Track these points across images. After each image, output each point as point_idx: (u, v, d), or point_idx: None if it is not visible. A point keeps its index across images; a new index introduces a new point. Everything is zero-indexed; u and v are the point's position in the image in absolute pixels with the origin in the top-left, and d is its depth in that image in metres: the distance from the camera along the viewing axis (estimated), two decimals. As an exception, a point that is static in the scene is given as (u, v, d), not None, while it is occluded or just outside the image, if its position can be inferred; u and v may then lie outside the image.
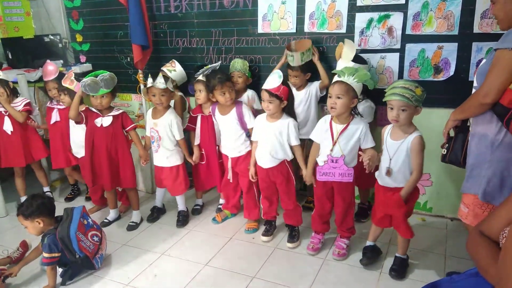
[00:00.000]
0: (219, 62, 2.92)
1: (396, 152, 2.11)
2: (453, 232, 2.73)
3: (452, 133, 2.13)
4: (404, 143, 2.09)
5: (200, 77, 2.79)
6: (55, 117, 3.24)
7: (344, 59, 2.57)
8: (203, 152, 2.96)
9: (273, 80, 2.38)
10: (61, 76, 3.13)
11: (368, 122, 2.62)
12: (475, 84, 1.99)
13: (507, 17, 1.81)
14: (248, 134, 2.75)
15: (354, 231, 2.55)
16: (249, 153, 2.74)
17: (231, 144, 2.78)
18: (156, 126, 2.83)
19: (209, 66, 2.82)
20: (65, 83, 2.93)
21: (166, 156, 2.89)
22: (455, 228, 2.78)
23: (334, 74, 2.28)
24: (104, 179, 2.86)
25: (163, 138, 2.84)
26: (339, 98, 2.19)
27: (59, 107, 3.22)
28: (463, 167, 2.08)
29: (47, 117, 3.32)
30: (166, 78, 2.76)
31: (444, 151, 2.12)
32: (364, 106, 2.63)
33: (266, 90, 2.38)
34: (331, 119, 2.32)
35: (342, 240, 2.54)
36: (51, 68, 3.16)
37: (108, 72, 2.69)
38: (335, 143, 2.29)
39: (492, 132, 1.87)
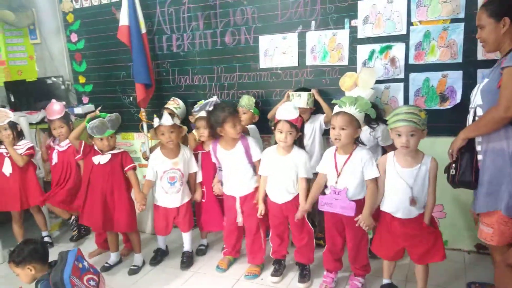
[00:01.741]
0: (215, 97, 2.87)
1: (416, 179, 2.04)
2: (472, 265, 2.59)
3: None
4: (422, 169, 2.03)
5: (203, 114, 2.71)
6: (54, 158, 3.20)
7: (362, 87, 2.52)
8: (204, 190, 2.87)
9: (291, 111, 2.32)
10: (66, 115, 3.11)
11: (390, 144, 2.57)
12: (479, 102, 2.00)
13: (496, 42, 1.96)
14: (255, 167, 2.64)
15: (370, 268, 2.41)
16: (256, 189, 2.62)
17: (240, 181, 2.63)
18: (176, 165, 2.73)
19: (205, 101, 2.71)
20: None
21: (186, 192, 2.80)
22: (473, 261, 2.65)
23: (334, 104, 2.23)
24: (95, 220, 2.74)
25: (185, 175, 2.75)
26: (343, 129, 2.14)
27: (59, 148, 3.18)
28: (473, 188, 2.06)
29: (49, 155, 3.27)
30: (171, 115, 2.71)
31: (452, 171, 2.08)
32: (381, 129, 2.56)
33: (287, 121, 2.31)
34: (335, 150, 2.27)
35: (357, 278, 2.40)
36: (57, 107, 3.13)
37: (114, 114, 2.67)
38: (339, 174, 2.22)
39: (510, 146, 1.90)
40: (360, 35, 2.75)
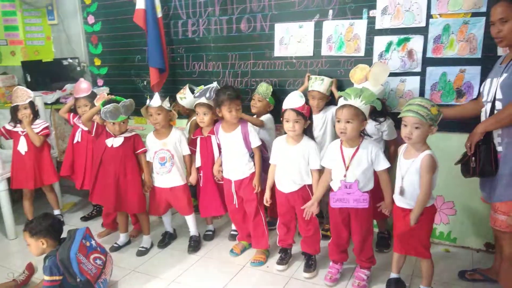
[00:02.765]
0: (215, 82, 2.84)
1: (408, 171, 2.05)
2: (479, 264, 2.55)
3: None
4: (415, 162, 2.02)
5: (204, 100, 2.72)
6: (77, 137, 3.25)
7: (373, 83, 2.50)
8: (201, 175, 2.87)
9: (296, 99, 2.31)
10: (93, 94, 3.14)
11: (394, 138, 2.59)
12: (499, 96, 2.01)
13: None
14: (252, 155, 2.64)
15: (375, 261, 2.41)
16: (252, 175, 2.63)
17: (234, 165, 2.65)
18: (165, 146, 2.78)
19: (205, 87, 2.74)
20: (98, 103, 2.93)
21: (180, 173, 2.82)
22: (481, 260, 2.62)
23: (340, 96, 2.21)
24: (108, 201, 2.80)
25: (175, 156, 2.79)
26: (349, 122, 2.12)
27: (84, 127, 3.19)
28: (492, 177, 2.07)
29: (72, 133, 3.32)
30: (163, 98, 2.73)
31: (473, 164, 2.09)
32: (387, 124, 2.57)
33: (293, 109, 2.30)
34: (341, 143, 2.25)
35: (362, 271, 2.40)
36: (85, 86, 3.16)
37: (129, 100, 2.67)
38: (348, 168, 2.21)
39: None
40: (378, 26, 2.70)
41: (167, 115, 2.76)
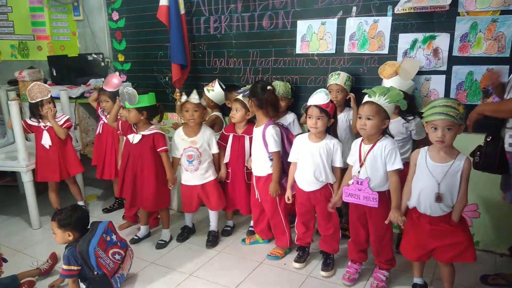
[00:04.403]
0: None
1: (446, 176, 1.96)
2: (503, 268, 2.49)
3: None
4: (454, 166, 1.94)
5: (240, 97, 2.74)
6: (99, 128, 3.35)
7: (404, 78, 2.48)
8: (229, 171, 2.89)
9: (321, 97, 2.31)
10: (117, 93, 3.15)
11: (423, 138, 2.50)
12: (506, 96, 2.07)
13: None
14: (271, 157, 2.62)
15: (395, 263, 2.37)
16: (269, 176, 2.63)
17: (256, 160, 2.69)
18: (194, 144, 2.79)
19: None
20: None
21: (207, 170, 2.85)
22: (504, 264, 2.55)
23: (365, 93, 2.18)
24: (127, 196, 2.86)
25: (203, 154, 2.81)
26: (369, 119, 2.10)
27: (105, 120, 3.26)
28: (497, 173, 2.16)
29: (98, 124, 3.41)
30: (200, 94, 2.75)
31: (476, 158, 2.13)
32: (416, 122, 2.51)
33: (316, 106, 2.30)
34: (362, 140, 2.24)
35: (381, 271, 2.37)
36: (115, 81, 3.20)
37: (132, 89, 2.65)
38: (362, 164, 2.19)
39: None
40: (402, 23, 2.65)
41: (202, 112, 2.78)
